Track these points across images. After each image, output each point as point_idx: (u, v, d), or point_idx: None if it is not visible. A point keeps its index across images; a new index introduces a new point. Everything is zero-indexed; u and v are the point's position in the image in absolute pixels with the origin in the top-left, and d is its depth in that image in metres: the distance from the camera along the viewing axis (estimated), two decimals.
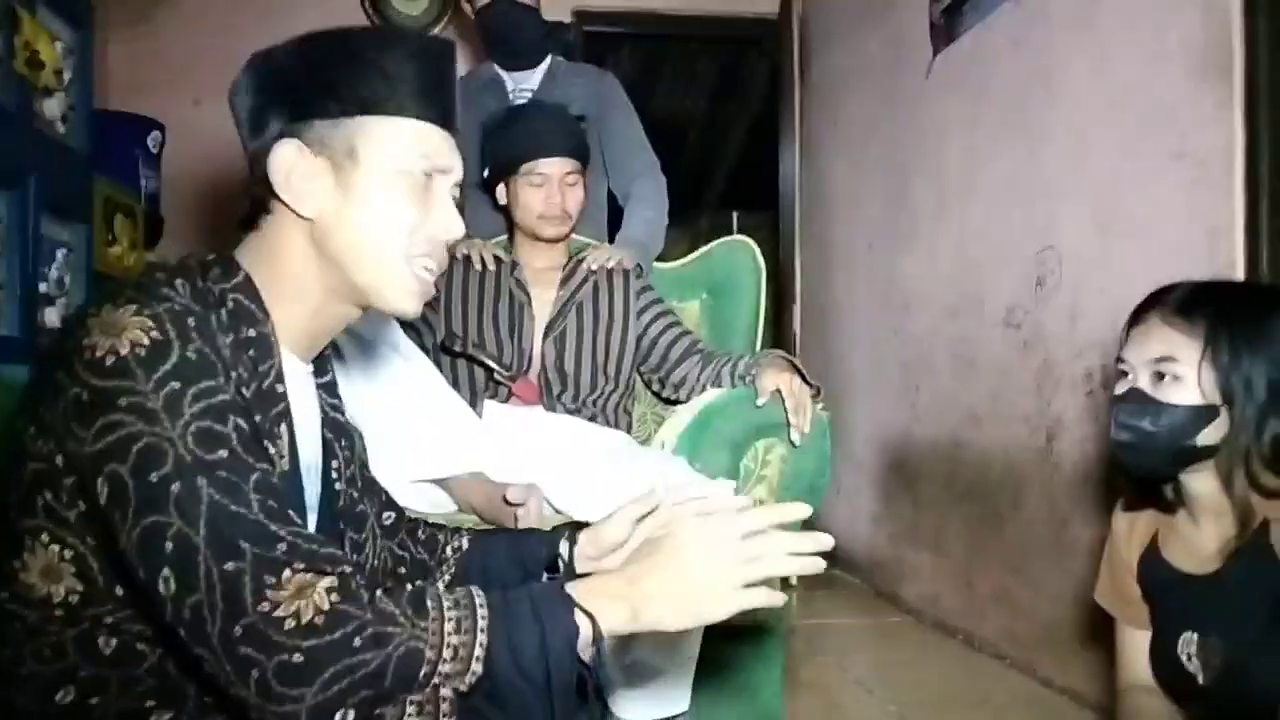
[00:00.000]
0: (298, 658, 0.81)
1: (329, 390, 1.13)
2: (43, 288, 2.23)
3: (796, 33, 4.53)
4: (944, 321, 3.10)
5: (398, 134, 1.00)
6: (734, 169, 6.47)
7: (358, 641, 0.83)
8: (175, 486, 0.83)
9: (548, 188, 2.07)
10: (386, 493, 1.26)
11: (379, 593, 0.87)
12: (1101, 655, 1.58)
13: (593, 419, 2.05)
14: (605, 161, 2.65)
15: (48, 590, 0.89)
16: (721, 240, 2.46)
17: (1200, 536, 1.37)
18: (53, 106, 2.27)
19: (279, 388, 0.98)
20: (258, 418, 0.94)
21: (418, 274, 1.02)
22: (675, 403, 2.12)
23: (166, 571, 0.82)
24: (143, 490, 0.83)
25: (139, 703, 0.91)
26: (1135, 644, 1.47)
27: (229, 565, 0.82)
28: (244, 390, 0.93)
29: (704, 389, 2.01)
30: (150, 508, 0.82)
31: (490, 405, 1.99)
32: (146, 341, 0.85)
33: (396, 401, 1.77)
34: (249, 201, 1.02)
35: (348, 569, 0.86)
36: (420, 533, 1.26)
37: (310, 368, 1.08)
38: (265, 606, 0.81)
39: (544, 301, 2.10)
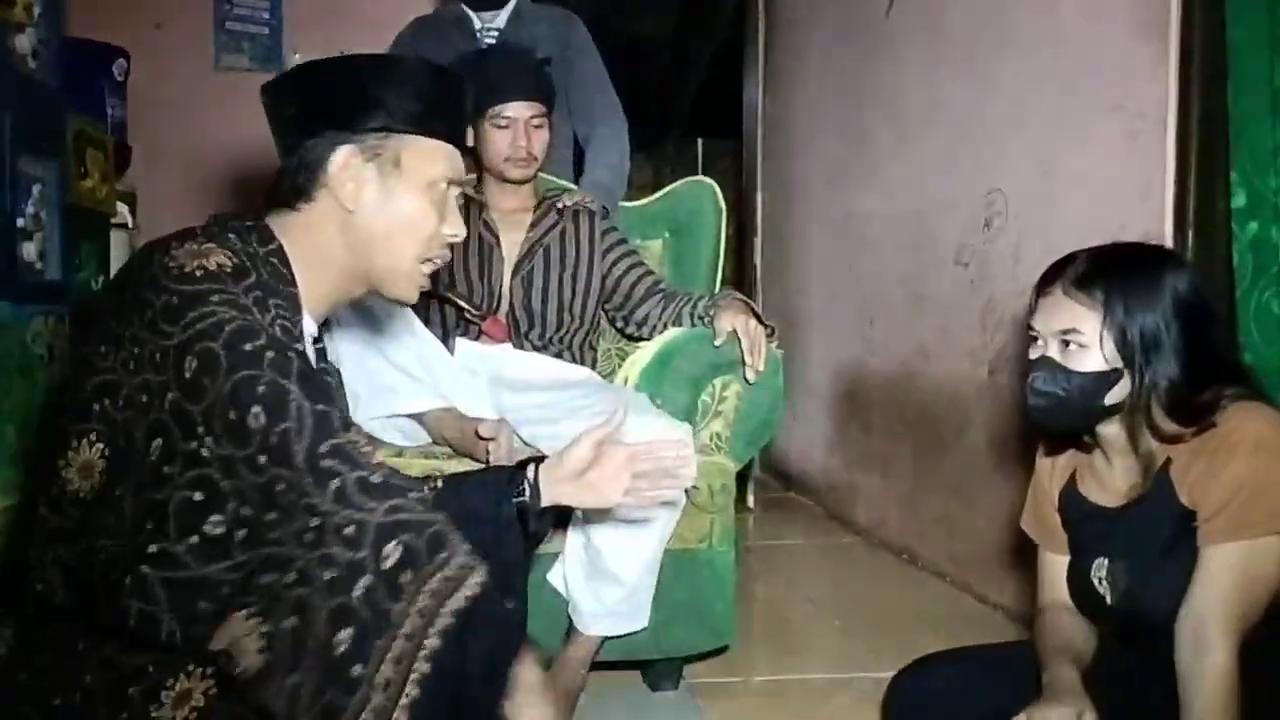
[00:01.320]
0: (376, 477, 0.98)
1: (321, 354, 1.27)
2: (19, 223, 2.27)
3: None
4: (897, 257, 3.21)
5: (434, 153, 1.22)
6: (700, 96, 6.47)
7: (415, 497, 1.00)
8: (269, 353, 0.99)
9: (514, 130, 2.12)
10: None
11: None
12: (1030, 575, 1.73)
13: (559, 355, 2.15)
14: (569, 103, 2.69)
15: (78, 485, 1.02)
16: (684, 180, 2.55)
17: (1112, 474, 1.51)
18: (24, 42, 2.27)
19: (298, 345, 1.12)
20: None
21: (423, 270, 1.22)
22: (638, 339, 2.22)
23: (257, 409, 0.97)
24: (235, 356, 0.98)
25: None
26: (1055, 568, 1.61)
27: (320, 405, 0.99)
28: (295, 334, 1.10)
29: (665, 328, 2.12)
30: (244, 366, 0.98)
31: (461, 343, 2.09)
32: (230, 264, 1.04)
33: (374, 340, 1.86)
34: (290, 186, 1.19)
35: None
36: None
37: (315, 330, 1.22)
38: (348, 438, 0.99)
39: (512, 243, 2.18)
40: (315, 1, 4.18)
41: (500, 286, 2.16)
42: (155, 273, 1.01)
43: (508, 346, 2.12)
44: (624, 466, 1.34)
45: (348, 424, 1.03)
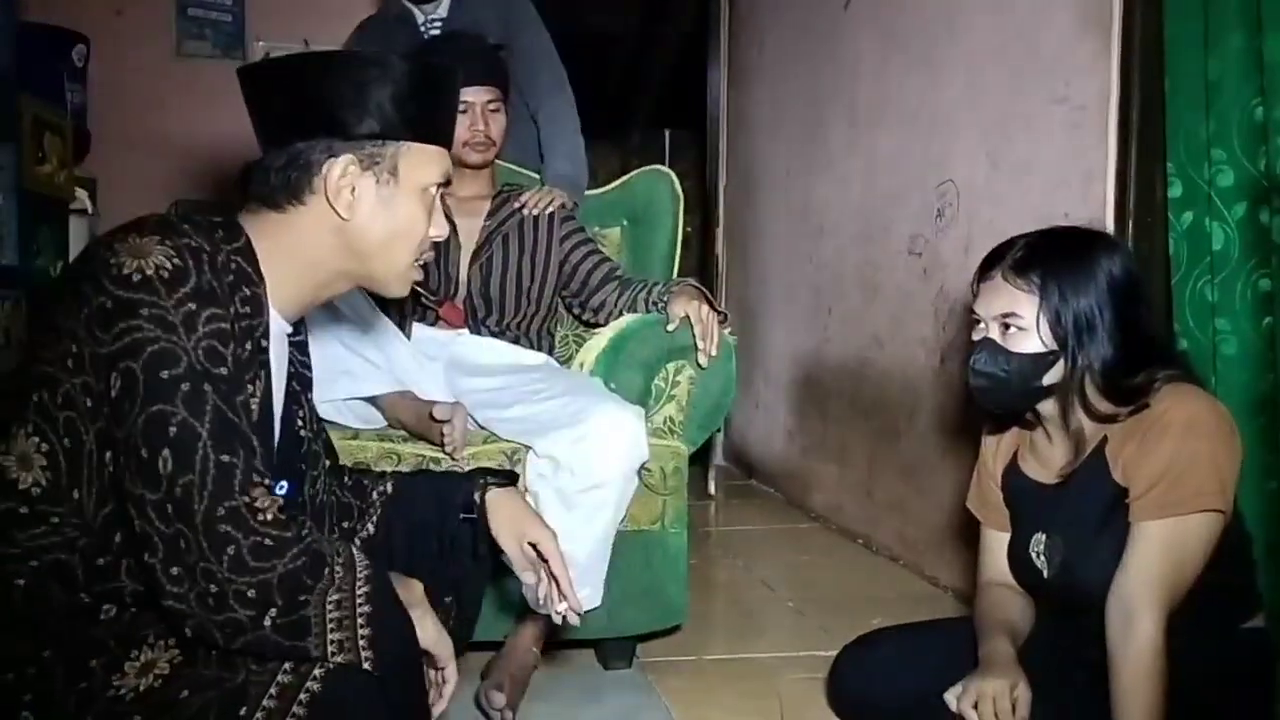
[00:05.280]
0: (269, 540, 0.99)
1: (300, 348, 1.28)
2: None
3: None
4: (853, 247, 3.26)
5: (429, 159, 1.20)
6: (666, 87, 6.49)
7: (307, 535, 1.03)
8: (184, 385, 0.99)
9: (470, 115, 2.14)
10: (329, 439, 1.43)
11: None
12: (977, 558, 1.79)
13: (516, 341, 2.18)
14: (516, 79, 2.61)
15: (17, 475, 1.02)
16: (643, 169, 2.57)
17: (1053, 452, 1.56)
18: None
19: (263, 343, 1.12)
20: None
21: (416, 268, 1.25)
22: (594, 326, 2.25)
23: (167, 452, 0.98)
24: (153, 384, 0.98)
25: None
26: (996, 544, 1.67)
27: (225, 457, 0.99)
28: (236, 337, 1.08)
29: (620, 314, 2.15)
30: (158, 398, 0.98)
31: (418, 328, 2.11)
32: (169, 266, 1.01)
33: (331, 324, 1.88)
34: (280, 185, 1.15)
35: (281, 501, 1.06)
36: (347, 478, 1.41)
37: (289, 327, 1.22)
38: (248, 498, 0.99)
39: (470, 230, 2.20)
40: None
41: (458, 273, 2.18)
42: (96, 269, 1.00)
43: (464, 332, 2.14)
44: (545, 555, 1.39)
45: (251, 473, 1.02)
